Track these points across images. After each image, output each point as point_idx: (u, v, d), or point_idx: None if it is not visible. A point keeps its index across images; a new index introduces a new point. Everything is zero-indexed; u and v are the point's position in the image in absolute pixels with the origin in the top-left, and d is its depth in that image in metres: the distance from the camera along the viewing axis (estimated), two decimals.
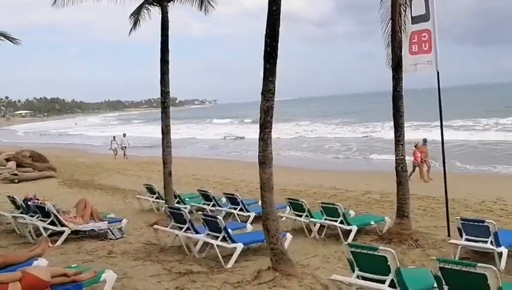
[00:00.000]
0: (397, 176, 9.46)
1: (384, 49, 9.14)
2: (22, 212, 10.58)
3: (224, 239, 7.92)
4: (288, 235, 8.38)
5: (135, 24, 12.81)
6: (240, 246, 7.72)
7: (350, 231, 9.28)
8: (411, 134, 32.91)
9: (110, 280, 5.73)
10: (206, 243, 8.19)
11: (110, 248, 8.92)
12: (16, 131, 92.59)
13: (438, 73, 9.56)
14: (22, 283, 4.74)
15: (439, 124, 10.06)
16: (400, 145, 9.42)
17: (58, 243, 9.19)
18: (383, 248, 5.36)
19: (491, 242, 7.41)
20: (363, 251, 5.49)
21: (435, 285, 4.96)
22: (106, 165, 27.51)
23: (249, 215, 11.12)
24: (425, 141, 19.69)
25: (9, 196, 11.60)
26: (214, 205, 12.14)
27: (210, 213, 10.91)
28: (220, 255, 7.61)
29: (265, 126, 6.90)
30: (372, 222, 9.98)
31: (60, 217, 9.46)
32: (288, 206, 10.80)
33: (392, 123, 9.67)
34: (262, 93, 6.86)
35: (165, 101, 11.60)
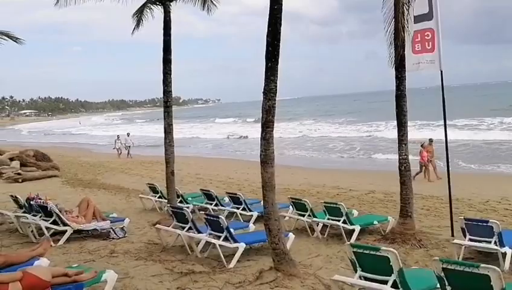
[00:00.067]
0: (400, 176, 9.41)
1: (387, 48, 9.09)
2: (24, 212, 10.56)
3: (226, 239, 7.89)
4: (291, 235, 8.35)
5: (138, 24, 12.79)
6: (242, 246, 7.68)
7: (353, 230, 9.24)
8: (415, 133, 32.84)
9: (111, 280, 5.71)
10: (208, 243, 8.15)
11: (112, 247, 8.90)
12: (20, 130, 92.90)
13: (441, 72, 9.50)
14: (23, 282, 4.73)
15: (443, 123, 10.01)
16: (403, 145, 9.37)
17: (61, 242, 9.18)
18: (385, 248, 5.31)
19: (495, 242, 7.35)
20: (365, 251, 5.45)
21: (438, 286, 4.92)
22: (110, 164, 27.55)
23: (252, 215, 11.08)
24: (431, 140, 19.62)
25: (12, 195, 11.62)
26: (216, 205, 12.13)
27: (212, 213, 10.91)
28: (222, 255, 7.58)
29: (267, 125, 6.87)
30: (375, 222, 9.93)
31: (62, 216, 9.45)
32: (291, 206, 10.77)
33: (395, 122, 9.64)
34: (264, 92, 6.83)
35: (167, 101, 11.59)
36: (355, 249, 5.55)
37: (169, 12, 11.43)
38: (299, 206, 10.30)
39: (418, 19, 9.47)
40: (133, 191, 16.56)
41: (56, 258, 7.97)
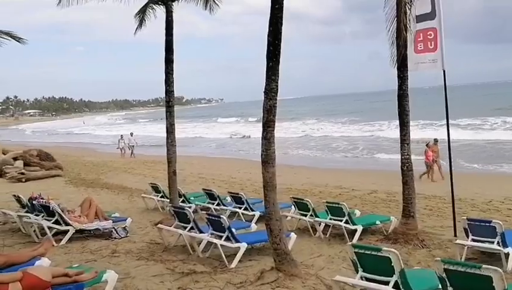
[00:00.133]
0: (403, 176, 9.36)
1: (388, 48, 9.06)
2: (27, 211, 10.58)
3: (228, 239, 7.88)
4: (293, 235, 8.34)
5: (141, 24, 12.79)
6: (243, 246, 7.67)
7: (355, 230, 9.21)
8: (418, 133, 32.89)
9: (112, 280, 5.70)
10: (210, 243, 8.15)
11: (114, 247, 8.90)
12: (24, 130, 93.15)
13: (444, 72, 9.47)
14: (23, 283, 4.73)
15: (446, 123, 9.98)
16: (406, 145, 9.34)
17: (63, 242, 9.20)
18: (387, 248, 5.29)
19: (498, 243, 7.31)
20: (366, 251, 5.42)
21: (440, 287, 4.89)
22: (113, 164, 27.58)
23: (254, 215, 11.06)
24: (436, 140, 19.53)
25: (14, 195, 11.63)
26: (218, 204, 12.11)
27: (215, 212, 10.90)
28: (223, 255, 7.57)
29: (268, 125, 6.86)
30: (377, 222, 9.90)
31: (64, 216, 9.46)
32: (293, 206, 10.75)
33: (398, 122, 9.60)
34: (265, 92, 6.81)
35: (169, 100, 11.59)
36: (356, 250, 5.52)
37: (172, 12, 11.43)
38: (301, 206, 10.28)
39: (421, 18, 9.43)
40: (136, 190, 16.56)
41: (58, 258, 7.98)
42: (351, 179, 18.73)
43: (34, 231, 9.66)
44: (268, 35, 6.73)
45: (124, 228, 10.07)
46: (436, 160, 18.66)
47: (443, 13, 9.33)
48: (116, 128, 72.64)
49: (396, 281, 5.12)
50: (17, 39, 12.79)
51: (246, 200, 11.52)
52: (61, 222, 9.45)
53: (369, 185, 16.80)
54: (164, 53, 11.44)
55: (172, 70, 11.44)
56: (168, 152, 11.51)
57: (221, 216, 8.11)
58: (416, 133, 31.56)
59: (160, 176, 18.98)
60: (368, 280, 5.45)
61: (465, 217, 8.09)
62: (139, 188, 16.93)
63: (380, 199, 14.22)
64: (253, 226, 9.60)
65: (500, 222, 7.48)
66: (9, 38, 12.57)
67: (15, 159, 21.92)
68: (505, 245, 7.24)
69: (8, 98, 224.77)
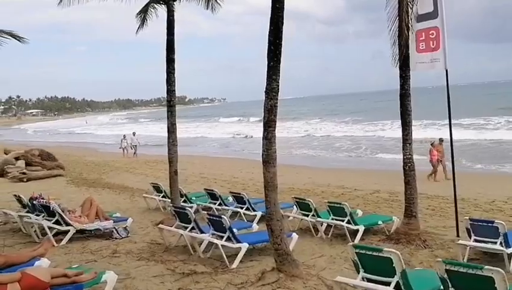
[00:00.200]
0: (405, 175, 9.33)
1: (390, 47, 9.02)
2: (28, 212, 10.57)
3: (229, 239, 7.85)
4: (294, 235, 8.29)
5: (143, 23, 12.77)
6: (244, 246, 7.63)
7: (357, 231, 9.17)
8: (421, 133, 32.82)
9: (111, 281, 5.67)
10: (211, 243, 8.13)
11: (114, 247, 8.87)
12: (26, 130, 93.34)
13: (446, 71, 9.41)
14: (21, 283, 4.71)
15: (448, 122, 9.93)
16: (408, 144, 9.30)
17: (63, 242, 9.17)
18: (388, 249, 5.25)
19: (501, 243, 7.26)
20: (367, 252, 5.38)
21: (442, 287, 4.85)
22: (115, 163, 27.60)
23: (256, 215, 11.02)
24: (441, 140, 19.37)
25: (15, 195, 11.62)
26: (220, 204, 12.07)
27: (216, 212, 10.87)
28: (224, 255, 7.54)
29: (269, 125, 6.82)
30: (379, 222, 9.86)
31: (64, 216, 9.43)
32: (295, 206, 10.71)
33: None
34: (265, 91, 6.77)
35: (170, 100, 11.56)
36: (357, 250, 5.49)
37: (173, 11, 11.40)
38: (303, 206, 10.24)
39: (423, 17, 9.38)
40: (137, 190, 16.55)
41: (58, 258, 7.96)
42: (354, 178, 18.69)
43: (35, 231, 9.64)
44: (269, 35, 6.70)
45: (125, 228, 10.05)
46: (441, 160, 18.55)
47: (445, 12, 9.29)
48: (118, 128, 72.68)
49: (397, 281, 5.08)
50: (18, 38, 12.78)
51: (248, 200, 11.49)
52: (62, 222, 9.42)
53: (371, 185, 16.75)
54: (165, 52, 11.42)
55: (174, 69, 11.41)
56: (169, 152, 11.47)
57: (223, 216, 8.08)
58: (419, 132, 31.55)
59: (162, 176, 18.96)
60: (369, 280, 5.41)
61: (467, 218, 8.04)
62: (141, 188, 16.92)
63: (382, 198, 14.17)
64: (255, 226, 9.56)
65: (503, 222, 7.44)
66: (10, 37, 12.53)
67: (17, 158, 21.93)
68: (507, 246, 7.19)
69: (10, 97, 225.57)
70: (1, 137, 64.75)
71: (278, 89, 6.79)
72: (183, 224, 8.77)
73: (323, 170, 22.95)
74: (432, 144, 19.09)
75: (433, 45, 9.37)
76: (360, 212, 10.67)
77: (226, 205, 12.02)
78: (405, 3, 8.40)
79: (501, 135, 33.80)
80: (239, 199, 11.76)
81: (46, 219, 9.64)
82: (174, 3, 11.44)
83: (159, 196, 13.33)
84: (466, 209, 11.97)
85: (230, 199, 12.34)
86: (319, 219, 9.74)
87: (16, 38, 12.79)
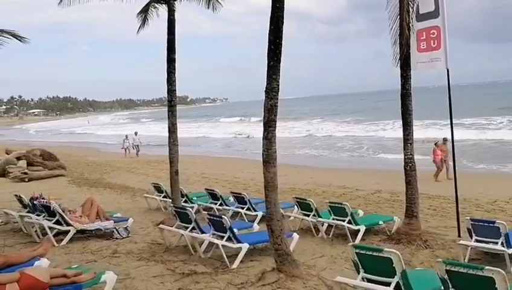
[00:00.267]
0: (406, 175, 9.30)
1: (391, 47, 8.99)
2: (28, 212, 10.57)
3: (229, 239, 7.83)
4: (295, 236, 8.27)
5: (144, 23, 12.76)
6: (245, 246, 7.62)
7: (358, 231, 9.15)
8: (422, 132, 32.76)
9: (110, 281, 5.66)
10: (211, 243, 8.12)
11: (115, 247, 8.87)
12: (28, 130, 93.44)
13: (447, 70, 9.38)
14: (20, 284, 4.70)
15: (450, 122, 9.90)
16: (409, 144, 9.27)
17: (64, 242, 9.17)
18: (388, 249, 5.23)
19: (502, 243, 7.23)
20: (367, 252, 5.36)
21: (442, 288, 4.82)
22: (116, 163, 27.62)
23: (257, 215, 11.01)
24: (445, 139, 19.22)
25: (16, 195, 11.63)
26: (221, 204, 12.06)
27: (217, 212, 10.86)
28: (225, 256, 7.53)
29: (269, 125, 6.80)
30: (380, 222, 9.84)
31: (65, 216, 9.43)
32: (296, 206, 10.70)
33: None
34: (266, 91, 6.75)
35: (171, 100, 11.55)
36: (357, 250, 5.47)
37: (174, 11, 11.38)
38: (304, 206, 10.23)
39: (424, 17, 9.36)
40: (139, 190, 16.55)
41: (58, 258, 7.97)
42: (355, 178, 18.65)
43: (36, 231, 9.64)
44: (269, 34, 6.68)
45: (126, 228, 10.04)
46: (445, 159, 18.46)
47: (447, 12, 9.26)
48: (120, 128, 72.70)
49: (397, 282, 5.06)
50: (19, 38, 12.78)
51: (249, 200, 11.48)
52: (62, 222, 9.42)
53: (373, 185, 16.73)
54: (166, 52, 11.41)
55: (175, 69, 11.40)
56: (170, 152, 11.46)
57: (223, 216, 8.06)
58: (420, 132, 31.52)
59: (163, 176, 18.94)
60: (369, 281, 5.40)
61: (468, 218, 8.02)
62: (142, 187, 16.93)
63: (383, 198, 14.15)
64: (256, 227, 9.56)
65: (504, 223, 7.41)
66: (12, 37, 12.54)
67: (18, 158, 21.96)
68: (509, 246, 7.17)
69: (12, 97, 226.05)
70: (3, 137, 64.88)
71: (278, 89, 6.77)
72: (184, 224, 8.76)
73: (324, 170, 22.92)
74: (435, 144, 19.00)
75: (434, 44, 9.34)
76: (361, 213, 10.66)
77: (227, 205, 12.00)
78: (406, 3, 8.36)
79: (503, 135, 33.69)
80: (240, 199, 11.74)
81: (46, 219, 9.63)
82: (175, 2, 11.43)
83: (160, 196, 13.32)
84: (467, 209, 11.94)
85: (231, 199, 12.33)
86: (319, 219, 9.73)
87: (17, 38, 12.80)
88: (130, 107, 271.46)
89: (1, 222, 11.30)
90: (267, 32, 6.75)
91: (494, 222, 7.46)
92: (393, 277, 5.08)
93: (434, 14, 9.29)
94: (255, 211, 11.20)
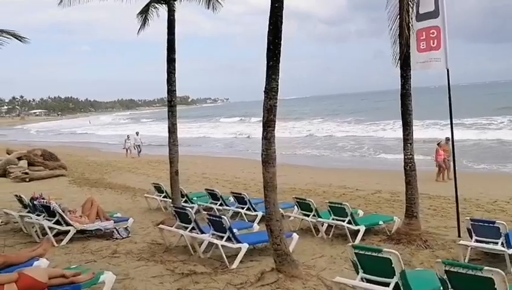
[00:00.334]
0: (406, 176, 9.30)
1: (390, 47, 8.98)
2: (29, 212, 10.58)
3: (229, 239, 7.83)
4: (295, 236, 8.27)
5: (144, 23, 12.76)
6: (245, 247, 7.62)
7: (358, 231, 9.14)
8: (423, 132, 32.74)
9: (109, 282, 5.65)
10: (211, 243, 8.11)
11: (115, 247, 8.87)
12: (29, 130, 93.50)
13: (447, 70, 9.37)
14: (18, 284, 4.70)
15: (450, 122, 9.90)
16: (409, 144, 9.26)
17: (63, 242, 9.16)
18: (387, 249, 5.22)
19: (502, 244, 7.22)
20: (367, 252, 5.35)
21: (441, 288, 4.81)
22: (117, 163, 27.61)
23: (257, 215, 11.01)
24: (448, 139, 19.14)
25: (16, 195, 11.63)
26: (221, 205, 12.06)
27: (217, 213, 10.86)
28: (224, 256, 7.52)
29: (268, 125, 6.79)
30: (380, 222, 9.83)
31: (65, 216, 9.43)
32: (295, 206, 10.69)
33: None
34: (265, 91, 6.74)
35: (171, 100, 11.54)
36: (356, 251, 5.46)
37: (174, 11, 11.38)
38: (304, 206, 10.22)
39: (424, 16, 9.35)
40: (139, 190, 16.55)
41: (58, 258, 7.97)
42: (355, 178, 18.63)
43: (36, 231, 9.64)
44: (268, 35, 6.67)
45: (126, 228, 10.04)
46: (448, 159, 18.39)
47: (447, 12, 9.25)
48: (121, 128, 72.72)
49: (396, 282, 5.05)
50: (19, 38, 12.77)
51: (249, 200, 11.47)
52: (62, 222, 9.42)
53: (373, 185, 16.72)
54: (166, 52, 11.40)
55: (175, 69, 11.39)
56: (170, 152, 11.46)
57: (223, 216, 8.06)
58: (421, 132, 31.50)
59: (163, 176, 18.93)
60: (368, 281, 5.39)
61: (468, 218, 8.00)
62: (143, 188, 16.92)
63: (384, 199, 14.13)
64: (256, 227, 9.56)
65: (504, 223, 7.41)
66: (11, 37, 12.53)
67: (19, 158, 21.96)
68: (509, 246, 7.16)
69: (14, 98, 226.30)
70: (5, 137, 64.92)
71: (278, 89, 6.76)
72: (184, 224, 8.76)
73: (325, 170, 22.89)
74: (438, 144, 18.93)
75: (433, 44, 9.33)
76: (361, 213, 10.65)
77: (227, 205, 12.00)
78: (405, 3, 8.35)
79: (503, 135, 33.62)
80: (240, 199, 11.74)
81: (46, 219, 9.64)
82: (175, 2, 11.42)
83: (160, 196, 13.32)
84: (468, 209, 11.93)
85: (232, 199, 12.32)
86: (319, 219, 9.72)
87: (17, 38, 12.78)
88: (131, 108, 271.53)
89: (1, 222, 11.30)
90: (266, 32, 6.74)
91: (494, 222, 7.45)
92: (393, 278, 5.07)
93: (434, 14, 9.28)
94: (255, 211, 11.20)
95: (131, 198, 15.26)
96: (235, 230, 8.12)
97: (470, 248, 7.63)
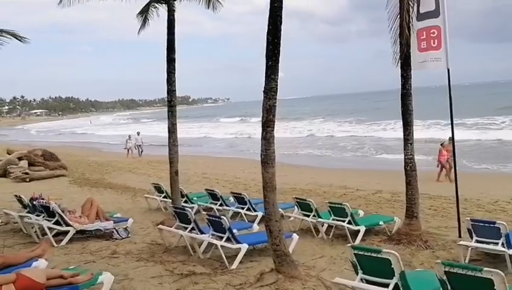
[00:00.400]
0: (406, 176, 9.26)
1: (391, 46, 8.95)
2: (28, 212, 10.56)
3: (228, 239, 7.81)
4: (295, 236, 8.24)
5: (144, 23, 12.74)
6: (244, 247, 7.60)
7: (358, 231, 9.11)
8: (424, 132, 32.70)
9: (107, 282, 5.64)
10: (211, 244, 8.09)
11: (114, 248, 8.85)
12: (30, 130, 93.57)
13: (448, 70, 9.34)
14: (16, 285, 4.69)
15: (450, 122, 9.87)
16: (409, 144, 9.23)
17: (63, 243, 9.15)
18: (387, 250, 5.20)
19: (503, 244, 7.19)
20: (366, 253, 5.33)
21: (441, 289, 4.79)
22: (118, 163, 27.60)
23: (257, 215, 10.99)
24: (451, 139, 19.07)
25: (16, 195, 11.62)
26: (221, 205, 12.04)
27: (217, 213, 10.84)
28: (224, 256, 7.50)
29: (267, 125, 6.76)
30: (381, 222, 9.80)
31: (64, 216, 9.42)
32: (296, 206, 10.66)
33: None
34: (264, 91, 6.71)
35: (171, 100, 11.52)
36: (356, 251, 5.44)
37: (174, 11, 11.37)
38: (304, 206, 10.19)
39: (424, 16, 9.32)
40: (140, 190, 16.53)
41: (57, 258, 7.94)
42: (356, 179, 18.60)
43: (35, 231, 9.62)
44: (267, 34, 6.64)
45: (126, 229, 10.02)
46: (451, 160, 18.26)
47: (448, 11, 9.22)
48: (121, 128, 72.77)
49: (396, 283, 5.03)
50: (19, 38, 12.76)
51: (249, 201, 11.45)
52: (62, 223, 9.40)
53: (374, 185, 16.68)
54: (166, 52, 11.39)
55: (174, 69, 11.38)
56: (170, 152, 11.45)
57: (222, 217, 8.04)
58: (422, 132, 31.46)
59: (164, 176, 18.88)
60: (368, 282, 5.37)
61: (468, 218, 7.98)
62: (143, 188, 16.90)
63: (384, 199, 14.10)
64: (256, 227, 9.54)
65: (505, 223, 7.37)
66: (11, 37, 12.52)
67: (20, 159, 21.95)
68: (509, 246, 7.13)
69: (15, 98, 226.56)
70: (5, 137, 65.01)
71: (277, 89, 6.73)
72: (183, 224, 8.74)
73: (326, 170, 22.86)
74: (441, 144, 18.84)
75: (434, 44, 9.30)
76: (361, 213, 10.63)
77: (227, 206, 11.98)
78: (406, 2, 8.32)
79: (504, 135, 33.54)
80: (240, 200, 11.72)
81: (46, 220, 9.62)
82: (175, 2, 11.41)
83: (160, 196, 13.30)
84: (469, 209, 11.90)
85: (232, 199, 12.30)
86: (319, 220, 9.69)
87: (17, 38, 12.77)
88: (132, 108, 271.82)
89: (1, 222, 11.29)
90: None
91: (494, 223, 7.42)
92: (392, 278, 5.06)
93: (434, 14, 9.25)
94: (255, 211, 11.17)
95: (131, 198, 15.25)
96: (234, 230, 8.10)
97: (470, 248, 7.60)
